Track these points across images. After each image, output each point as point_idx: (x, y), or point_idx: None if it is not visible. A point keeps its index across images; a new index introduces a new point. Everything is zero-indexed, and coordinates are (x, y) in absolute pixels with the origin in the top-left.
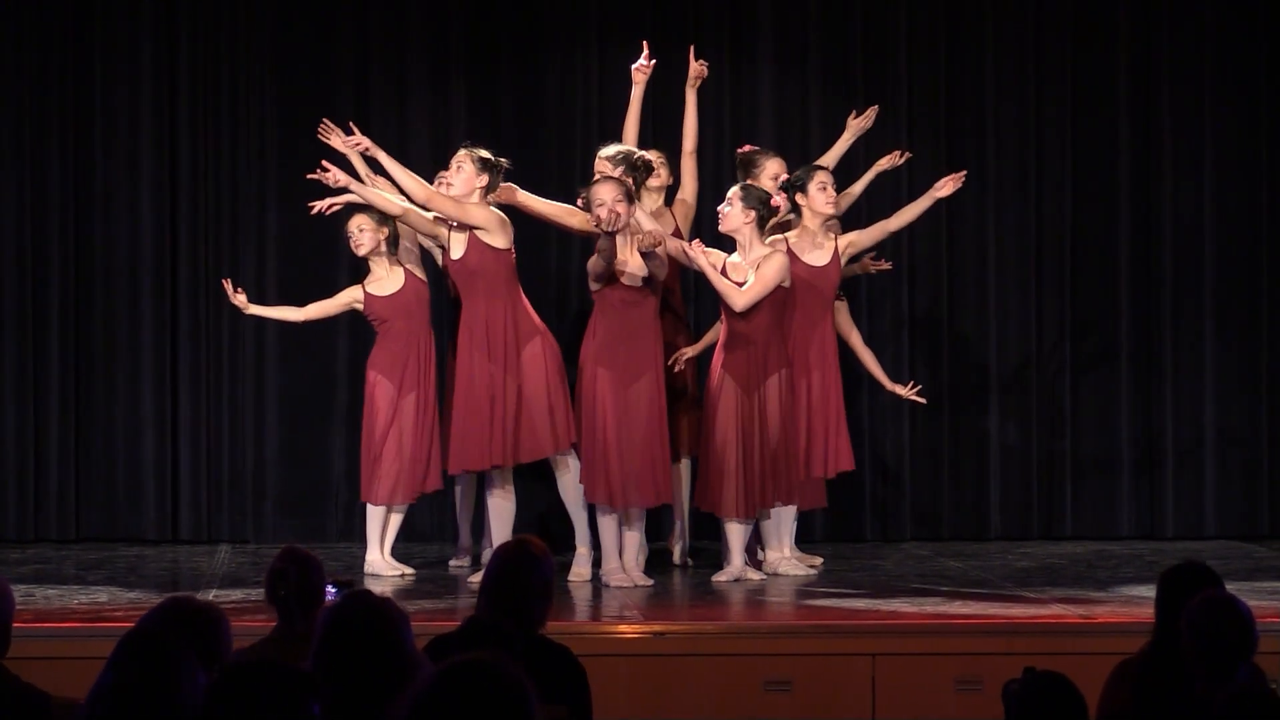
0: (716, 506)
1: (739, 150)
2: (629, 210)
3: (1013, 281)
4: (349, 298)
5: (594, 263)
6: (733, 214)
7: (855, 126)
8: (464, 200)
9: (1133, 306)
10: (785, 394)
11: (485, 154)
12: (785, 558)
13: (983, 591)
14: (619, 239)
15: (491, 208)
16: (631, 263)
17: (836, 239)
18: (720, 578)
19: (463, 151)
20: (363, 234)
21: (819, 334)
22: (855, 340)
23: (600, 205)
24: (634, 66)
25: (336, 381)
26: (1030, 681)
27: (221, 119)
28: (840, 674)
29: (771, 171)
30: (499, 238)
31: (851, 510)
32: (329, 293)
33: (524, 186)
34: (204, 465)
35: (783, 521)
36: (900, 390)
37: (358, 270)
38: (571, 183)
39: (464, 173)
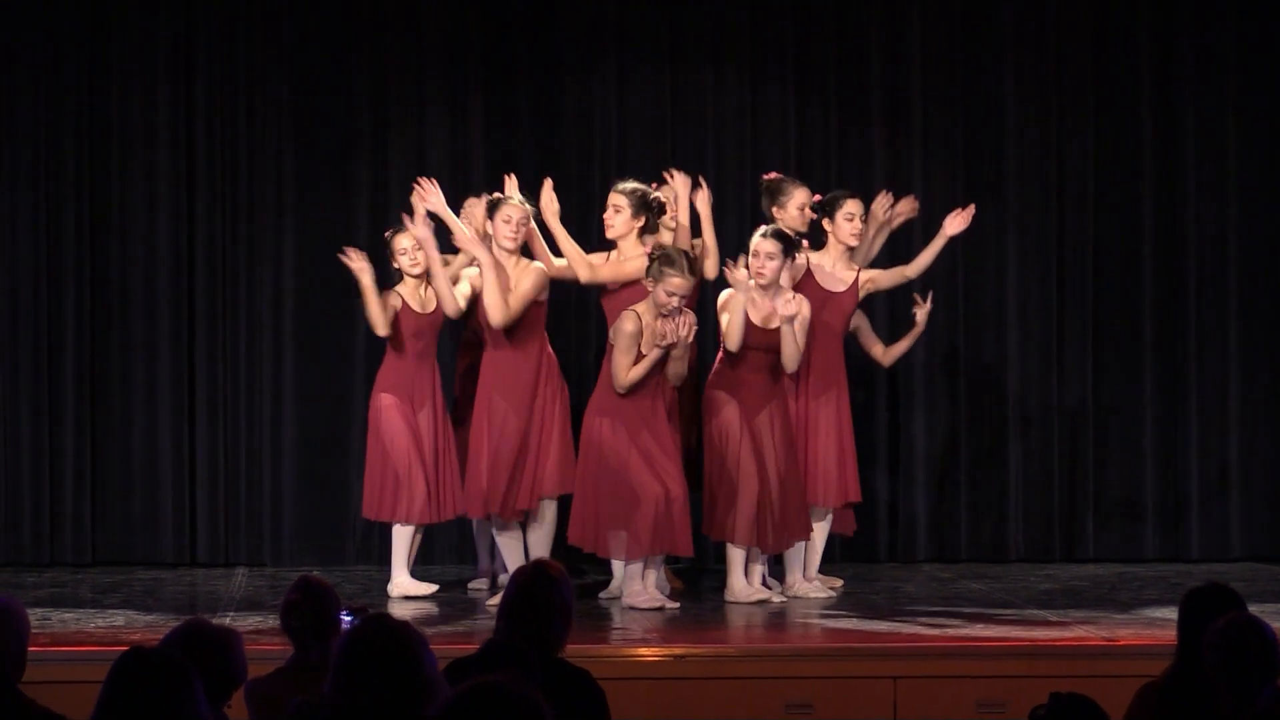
0: (730, 535)
1: (764, 177)
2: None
3: (1033, 298)
4: (394, 301)
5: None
6: (774, 266)
7: (952, 225)
8: (622, 249)
9: (1156, 323)
10: (786, 421)
11: (640, 190)
12: (806, 580)
13: (1005, 614)
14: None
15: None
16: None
17: (859, 272)
18: (727, 596)
19: (620, 196)
20: (419, 254)
21: (824, 361)
22: (879, 351)
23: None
24: (692, 197)
25: (354, 404)
26: (1057, 706)
27: (239, 139)
28: (862, 697)
29: (799, 200)
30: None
31: (871, 532)
32: (348, 317)
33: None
34: (221, 488)
35: (804, 545)
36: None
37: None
38: (591, 200)
39: (622, 215)
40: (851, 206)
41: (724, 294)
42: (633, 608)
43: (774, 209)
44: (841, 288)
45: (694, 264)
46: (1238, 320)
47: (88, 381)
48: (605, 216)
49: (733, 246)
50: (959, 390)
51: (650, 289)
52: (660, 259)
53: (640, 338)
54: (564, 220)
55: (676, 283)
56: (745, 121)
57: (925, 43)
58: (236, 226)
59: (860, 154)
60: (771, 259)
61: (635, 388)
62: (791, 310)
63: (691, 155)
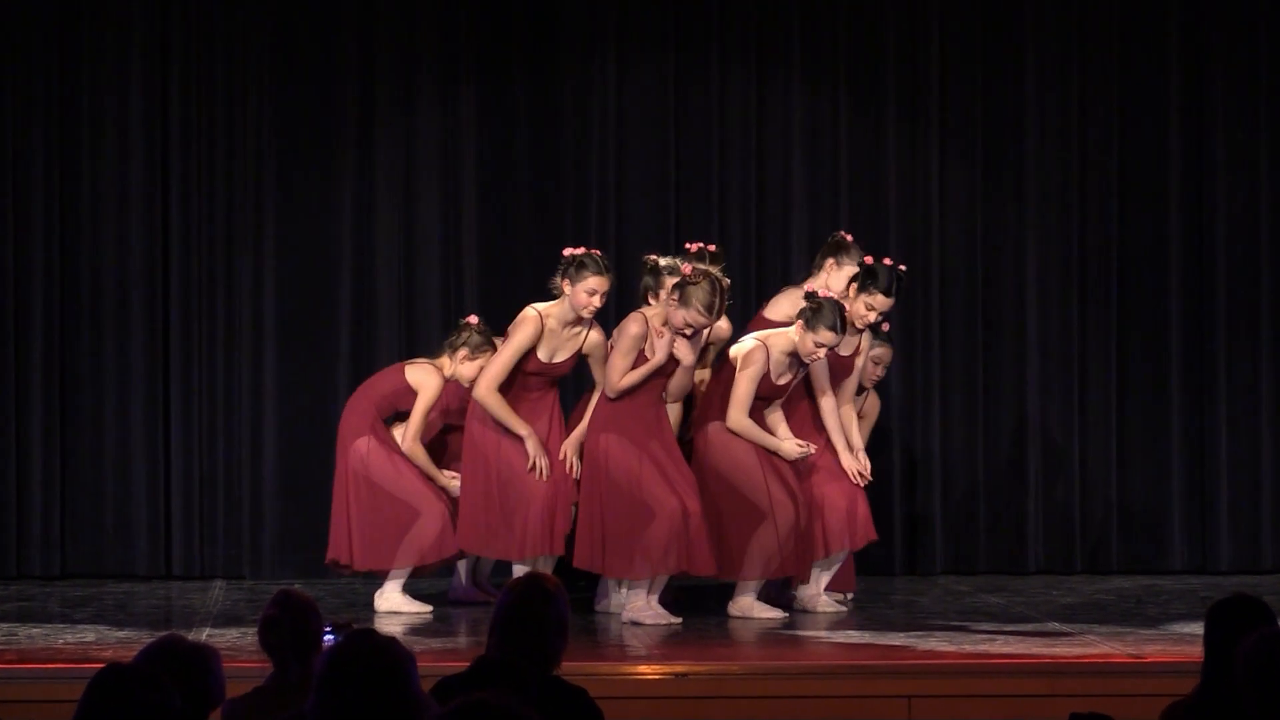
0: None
1: (838, 234)
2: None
3: (1054, 298)
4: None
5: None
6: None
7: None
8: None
9: (1184, 325)
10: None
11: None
12: (817, 595)
13: (1025, 629)
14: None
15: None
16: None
17: (862, 340)
18: (731, 610)
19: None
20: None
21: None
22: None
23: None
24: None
25: (338, 408)
26: None
27: (217, 127)
28: (874, 717)
29: (850, 273)
30: None
31: (884, 543)
32: (331, 316)
33: (536, 206)
34: (198, 497)
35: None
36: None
37: (359, 290)
38: (587, 201)
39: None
40: (876, 301)
41: (745, 349)
42: (636, 623)
43: (829, 261)
44: (847, 351)
45: (723, 302)
46: (1269, 324)
47: (56, 384)
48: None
49: (735, 248)
50: (977, 395)
51: (670, 309)
52: (694, 285)
53: (644, 342)
54: (559, 222)
55: (695, 317)
56: (751, 114)
57: (944, 31)
58: (214, 221)
59: (873, 147)
60: (822, 347)
61: (632, 394)
62: (797, 455)
63: (695, 149)
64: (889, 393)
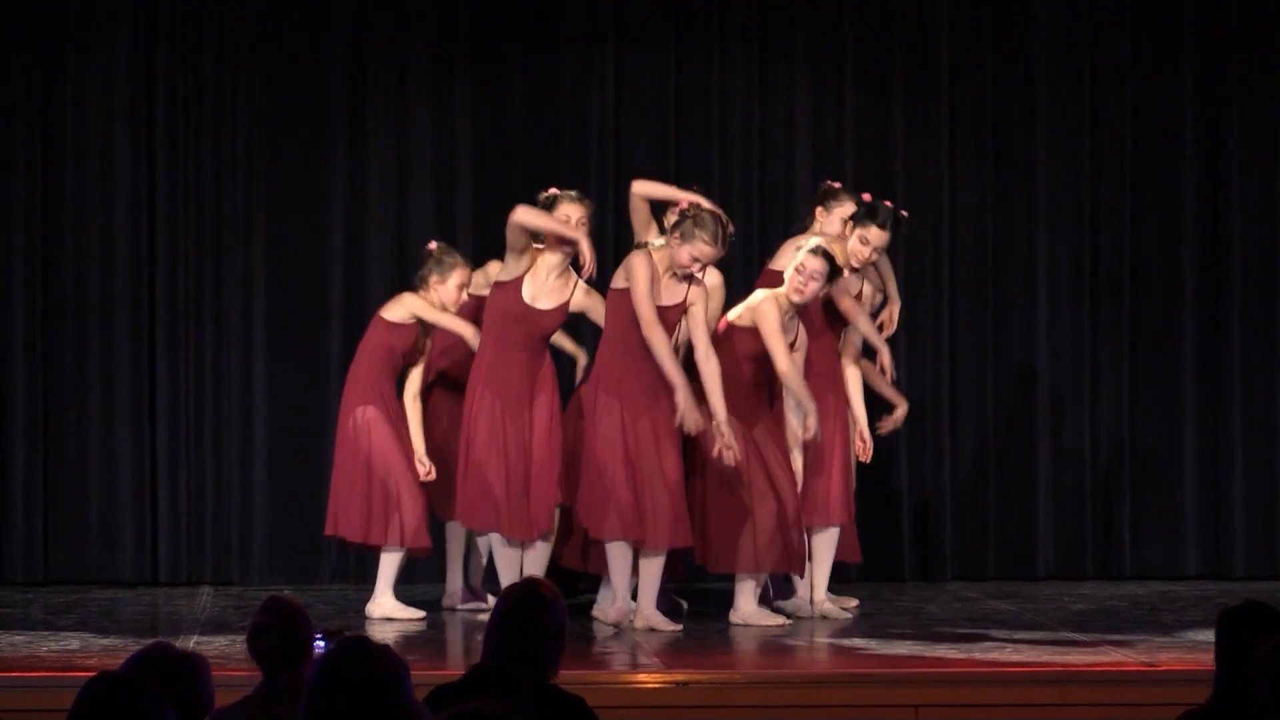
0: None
1: (824, 183)
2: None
3: (1065, 297)
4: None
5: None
6: (814, 288)
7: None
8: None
9: (1198, 329)
10: (779, 440)
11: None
12: (816, 601)
13: (1035, 636)
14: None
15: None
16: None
17: (865, 283)
18: (733, 617)
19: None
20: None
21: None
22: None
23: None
24: None
25: (329, 409)
26: None
27: (204, 120)
28: None
29: (843, 213)
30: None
31: (890, 548)
32: (323, 315)
33: (533, 199)
34: (185, 501)
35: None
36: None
37: (351, 289)
38: (586, 190)
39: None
40: (871, 235)
41: (757, 304)
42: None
43: (818, 210)
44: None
45: (728, 235)
46: None
47: (39, 385)
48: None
49: (737, 243)
50: (986, 396)
51: (675, 247)
52: (693, 219)
53: (656, 284)
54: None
55: (703, 248)
56: (754, 104)
57: (953, 20)
58: (201, 218)
59: (880, 137)
60: (814, 280)
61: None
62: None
63: (696, 140)
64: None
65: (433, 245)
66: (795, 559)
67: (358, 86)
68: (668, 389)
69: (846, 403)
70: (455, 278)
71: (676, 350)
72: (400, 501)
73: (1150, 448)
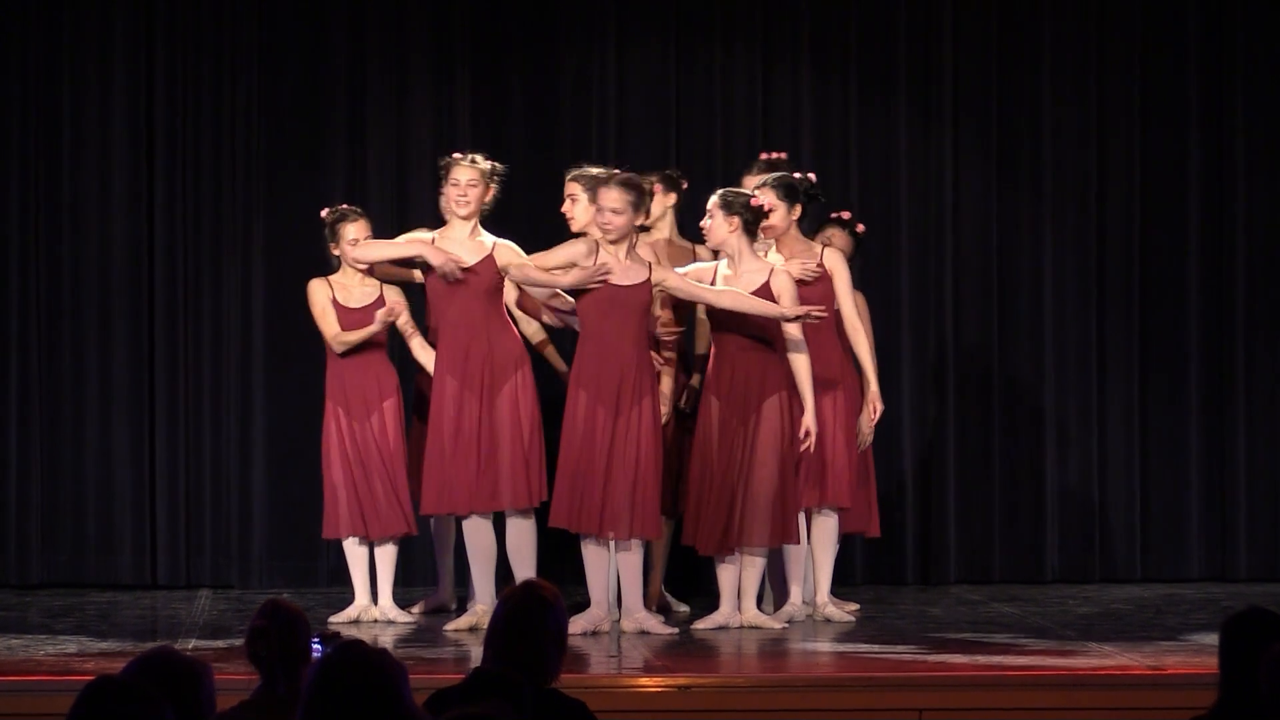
0: (693, 540)
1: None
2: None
3: (1071, 299)
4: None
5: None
6: (715, 226)
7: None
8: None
9: (1203, 329)
10: (783, 421)
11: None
12: (819, 603)
13: (1040, 640)
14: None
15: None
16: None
17: (822, 252)
18: (699, 625)
19: (573, 182)
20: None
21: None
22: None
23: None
24: None
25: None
26: None
27: (202, 116)
28: None
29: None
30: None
31: (896, 551)
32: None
33: (534, 194)
34: (183, 503)
35: (797, 560)
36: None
37: None
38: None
39: (580, 203)
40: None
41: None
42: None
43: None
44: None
45: (640, 189)
46: None
47: (36, 386)
48: (564, 208)
49: None
50: (992, 399)
51: (596, 217)
52: (596, 180)
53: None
54: (557, 210)
55: (610, 201)
56: (757, 98)
57: (958, 16)
58: (200, 216)
59: (884, 136)
60: (711, 216)
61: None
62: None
63: (698, 137)
64: (899, 392)
65: (324, 212)
66: (791, 534)
67: (357, 82)
68: (651, 384)
69: (850, 383)
70: (347, 230)
71: (680, 333)
72: (334, 495)
73: (1155, 452)
